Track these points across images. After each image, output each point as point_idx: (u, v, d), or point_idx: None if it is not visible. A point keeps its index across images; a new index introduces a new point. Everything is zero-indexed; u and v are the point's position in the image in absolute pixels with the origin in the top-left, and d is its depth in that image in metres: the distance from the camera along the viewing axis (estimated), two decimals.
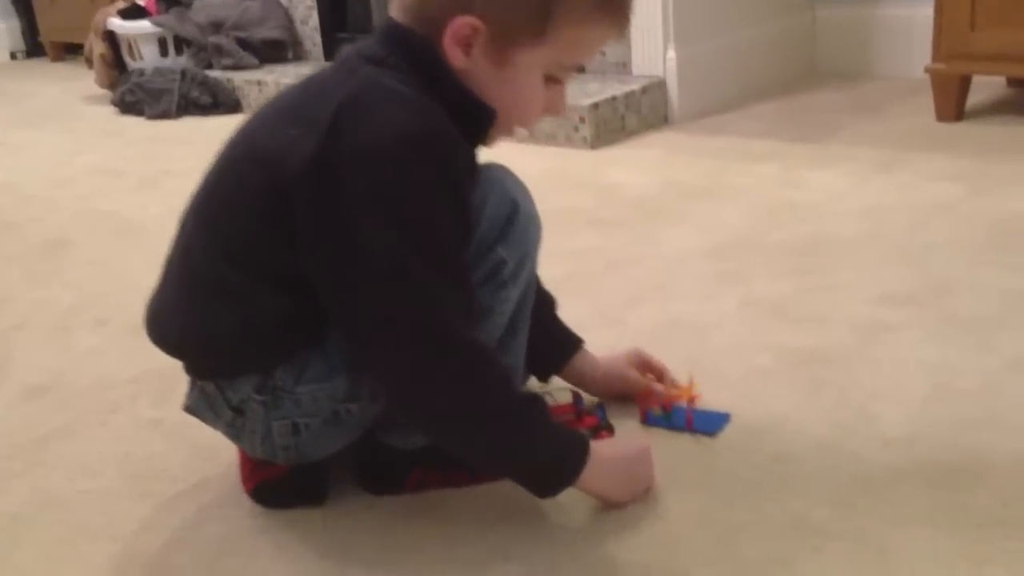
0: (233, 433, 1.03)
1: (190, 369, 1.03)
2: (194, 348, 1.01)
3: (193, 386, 1.04)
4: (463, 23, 0.89)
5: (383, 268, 0.88)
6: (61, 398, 1.36)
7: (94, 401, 1.33)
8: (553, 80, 0.96)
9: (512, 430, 0.93)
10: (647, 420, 1.16)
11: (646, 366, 1.21)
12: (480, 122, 0.95)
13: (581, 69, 0.97)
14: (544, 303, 1.16)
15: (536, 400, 0.96)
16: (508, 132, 0.99)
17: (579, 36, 0.93)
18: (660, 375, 1.21)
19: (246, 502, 1.07)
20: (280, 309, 0.95)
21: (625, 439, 1.11)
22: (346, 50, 0.96)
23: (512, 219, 0.98)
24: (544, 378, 1.20)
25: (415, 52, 0.92)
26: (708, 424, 1.14)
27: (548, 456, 0.96)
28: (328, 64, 0.99)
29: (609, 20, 0.94)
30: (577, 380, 1.20)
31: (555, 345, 1.18)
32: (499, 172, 1.01)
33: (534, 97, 0.96)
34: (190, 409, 1.05)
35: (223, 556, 0.99)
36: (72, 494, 1.12)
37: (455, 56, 0.91)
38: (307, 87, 0.97)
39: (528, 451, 0.95)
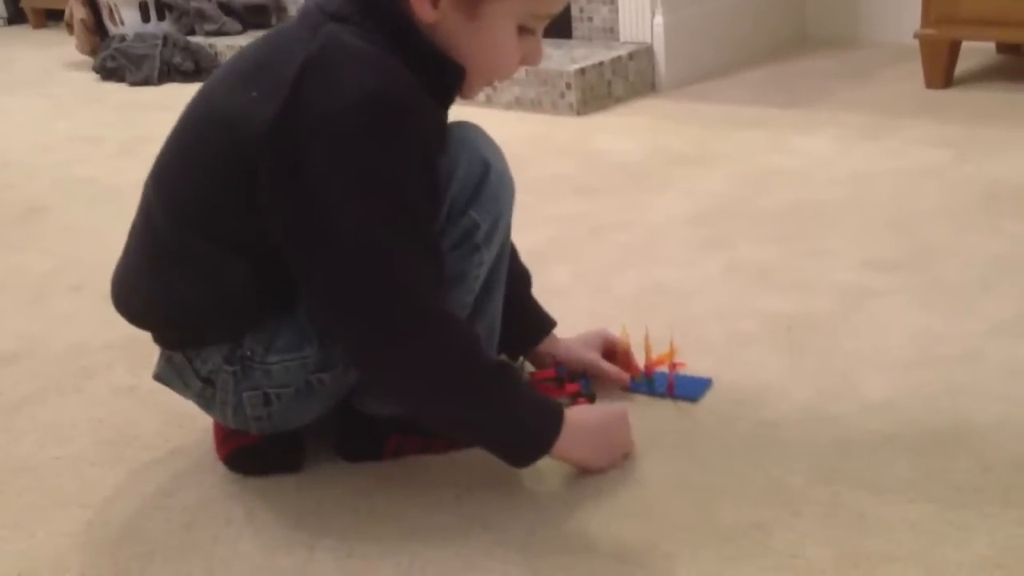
0: (203, 403, 1.01)
1: (158, 339, 1.01)
2: (159, 318, 0.99)
3: (161, 355, 1.02)
4: None
5: (349, 236, 0.86)
6: (35, 364, 1.34)
7: (68, 367, 1.31)
8: (527, 30, 0.93)
9: (482, 401, 0.92)
10: (630, 386, 1.14)
11: (609, 349, 1.17)
12: (449, 80, 0.93)
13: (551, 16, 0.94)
14: (519, 279, 1.13)
15: (507, 369, 0.95)
16: (486, 83, 0.97)
17: None
18: (624, 360, 1.16)
19: (220, 469, 1.06)
20: (246, 275, 0.93)
21: (602, 405, 1.10)
22: (307, 5, 0.93)
23: (484, 180, 0.96)
24: (514, 357, 1.17)
25: (379, 7, 0.89)
26: (689, 389, 1.12)
27: (521, 425, 0.94)
28: (287, 22, 0.95)
29: None
30: (538, 361, 1.17)
31: (527, 326, 1.15)
32: (470, 131, 0.99)
33: (508, 48, 0.93)
34: (159, 378, 1.03)
35: (196, 523, 0.98)
36: (44, 460, 1.10)
37: (423, 9, 0.88)
38: (267, 45, 0.94)
39: (500, 421, 0.93)
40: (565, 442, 0.95)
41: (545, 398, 0.98)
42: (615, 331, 1.18)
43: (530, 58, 0.95)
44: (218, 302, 0.94)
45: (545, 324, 1.16)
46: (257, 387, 0.97)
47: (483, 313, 1.00)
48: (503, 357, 1.15)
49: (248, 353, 0.96)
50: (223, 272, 0.93)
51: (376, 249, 0.86)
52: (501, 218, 0.99)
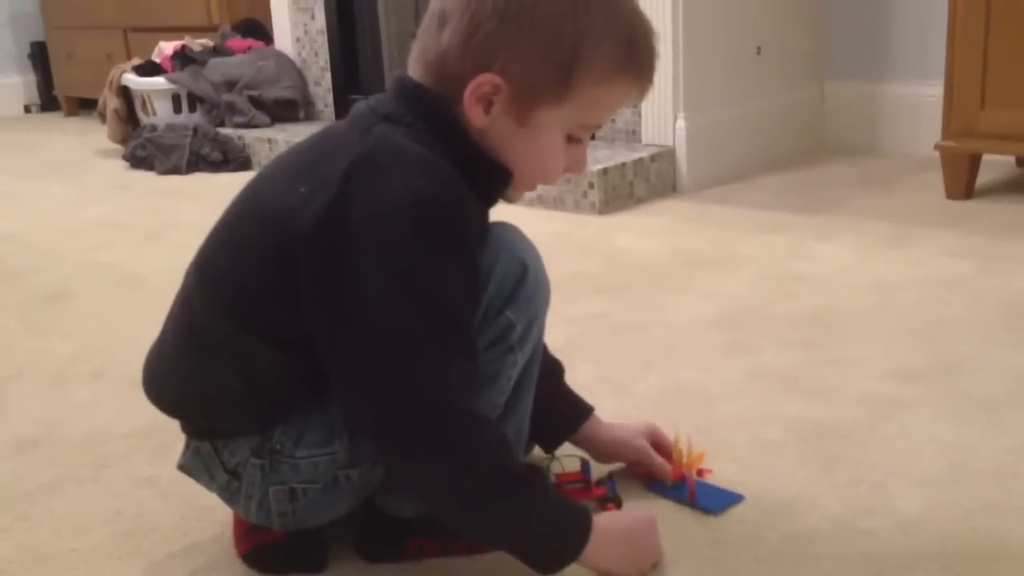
0: (228, 496, 1.00)
1: (186, 428, 1.01)
2: (192, 406, 0.99)
3: (188, 446, 1.01)
4: (484, 81, 0.88)
5: (388, 335, 0.86)
6: (53, 452, 1.32)
7: (87, 456, 1.30)
8: (574, 140, 0.95)
9: (509, 506, 0.90)
10: (648, 485, 1.13)
11: (658, 443, 1.17)
12: (496, 183, 0.94)
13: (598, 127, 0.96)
14: (552, 371, 1.13)
15: (536, 473, 0.94)
16: (530, 188, 0.98)
17: (600, 95, 0.92)
18: (669, 456, 1.16)
19: (239, 566, 1.03)
20: (282, 367, 0.93)
21: (631, 510, 1.08)
22: (358, 106, 0.95)
23: (522, 281, 0.96)
24: (551, 448, 1.16)
25: (430, 110, 0.91)
26: (713, 501, 1.10)
27: (548, 531, 0.92)
28: (340, 121, 0.97)
29: (631, 79, 0.93)
30: (586, 445, 1.16)
31: (564, 414, 1.15)
32: (509, 232, 0.99)
33: (555, 156, 0.94)
34: (184, 469, 1.02)
35: None
36: (60, 552, 1.09)
37: (475, 114, 0.90)
38: (318, 143, 0.96)
39: (527, 527, 0.91)
40: (592, 549, 0.93)
41: (573, 503, 0.96)
42: None
43: (575, 166, 0.97)
44: (252, 392, 0.94)
45: (583, 408, 1.16)
46: (284, 482, 0.96)
47: (513, 415, 0.99)
48: (536, 454, 1.13)
49: (277, 446, 0.95)
50: (259, 363, 0.93)
51: (414, 350, 0.86)
52: (536, 320, 0.99)
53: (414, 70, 0.93)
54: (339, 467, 0.95)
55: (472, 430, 0.88)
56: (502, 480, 0.89)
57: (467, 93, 0.89)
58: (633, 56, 0.91)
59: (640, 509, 1.09)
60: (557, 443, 1.16)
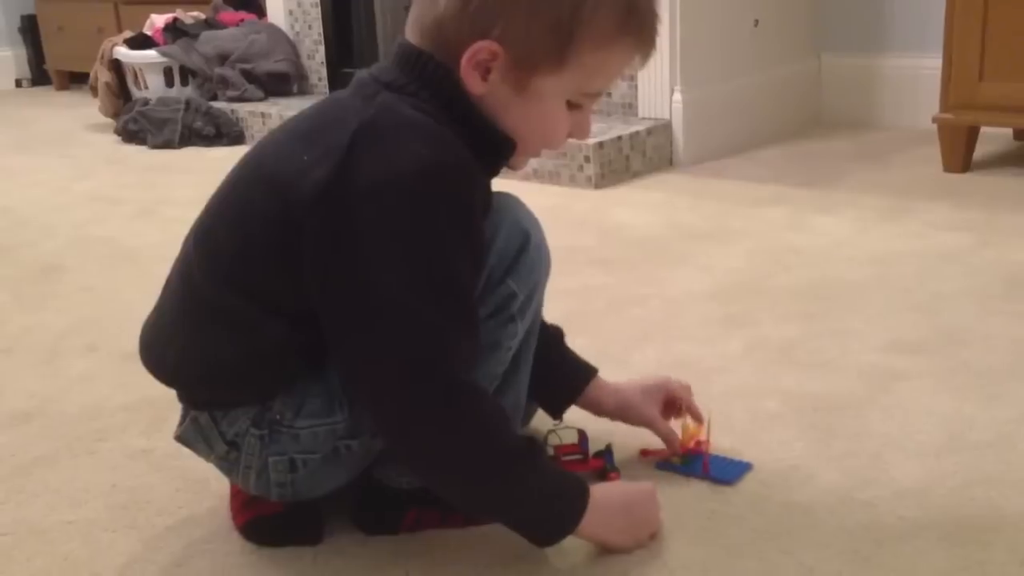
0: (226, 467, 0.99)
1: (184, 398, 1.00)
2: (191, 376, 0.97)
3: (186, 416, 1.00)
4: (481, 47, 0.87)
5: (390, 305, 0.85)
6: (47, 425, 1.32)
7: (81, 429, 1.29)
8: (575, 105, 0.93)
9: (506, 479, 0.90)
10: (659, 466, 1.12)
11: (671, 401, 1.15)
12: (500, 151, 0.93)
13: (606, 94, 0.94)
14: (552, 336, 1.12)
15: (532, 446, 0.93)
16: (534, 154, 0.97)
17: (600, 61, 0.90)
18: (682, 413, 1.14)
19: (236, 538, 1.03)
20: (282, 336, 0.92)
21: (628, 481, 1.08)
22: (361, 74, 0.93)
23: (523, 250, 0.95)
24: (557, 413, 1.15)
25: (433, 78, 0.89)
26: (725, 472, 1.10)
27: (544, 505, 0.92)
28: (342, 89, 0.96)
29: (631, 43, 0.91)
30: (593, 409, 1.15)
31: (567, 379, 1.14)
32: (510, 201, 0.98)
33: (556, 123, 0.93)
34: (181, 439, 1.01)
35: None
36: (55, 524, 1.08)
37: (472, 81, 0.88)
38: (321, 112, 0.95)
39: (523, 500, 0.91)
40: (589, 521, 0.93)
41: (570, 475, 0.96)
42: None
43: (579, 132, 0.95)
44: (252, 361, 0.93)
45: (585, 373, 1.14)
46: (284, 452, 0.95)
47: (511, 386, 0.99)
48: (534, 426, 1.13)
49: (277, 417, 0.94)
50: (259, 331, 0.92)
51: (415, 320, 0.85)
52: (536, 290, 0.98)
53: (411, 35, 0.92)
54: (339, 437, 0.95)
55: (470, 404, 0.88)
56: (500, 454, 0.89)
57: (464, 60, 0.88)
58: (633, 20, 0.89)
59: (639, 480, 1.08)
60: (562, 409, 1.15)
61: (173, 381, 1.00)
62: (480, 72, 0.88)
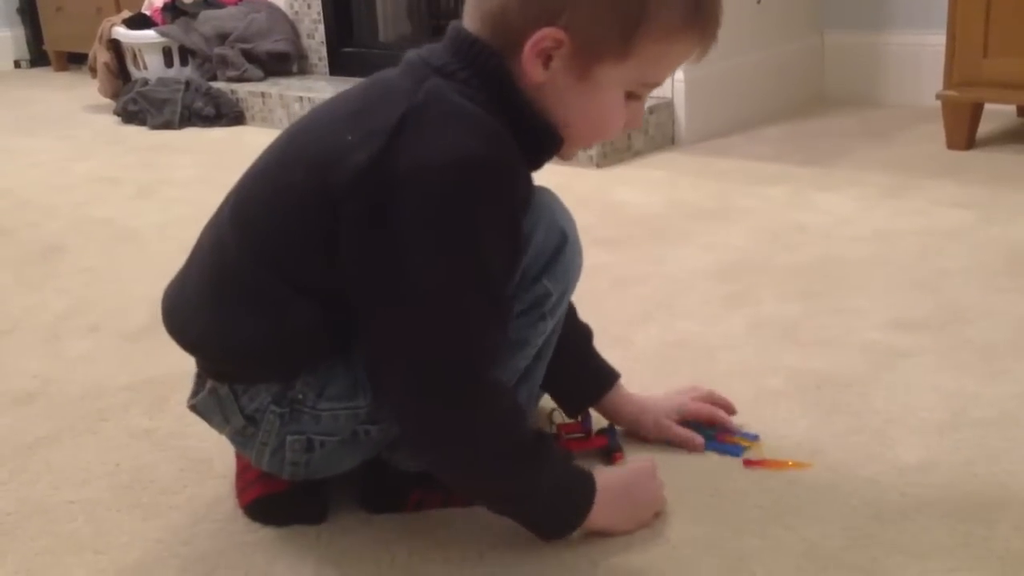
0: (241, 441, 0.98)
1: (207, 370, 0.98)
2: (216, 349, 0.96)
3: (202, 386, 0.98)
4: (547, 35, 0.84)
5: (424, 293, 0.84)
6: (50, 405, 1.32)
7: (84, 409, 1.29)
8: (633, 96, 0.91)
9: (516, 476, 0.90)
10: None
11: (694, 414, 1.14)
12: (544, 147, 0.91)
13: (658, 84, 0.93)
14: (582, 336, 1.12)
15: (543, 442, 0.93)
16: (586, 145, 0.95)
17: (663, 52, 0.88)
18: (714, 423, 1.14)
19: (239, 517, 1.03)
20: (312, 317, 0.90)
21: (630, 462, 1.08)
22: (411, 55, 0.91)
23: (560, 251, 0.95)
24: (573, 413, 1.15)
25: (486, 66, 0.87)
26: (735, 449, 1.10)
27: (554, 502, 0.93)
28: (390, 69, 0.93)
29: (696, 36, 0.88)
30: (610, 416, 1.15)
31: (588, 383, 1.13)
32: (548, 198, 0.97)
33: (614, 113, 0.91)
34: (196, 409, 1.00)
35: (214, 573, 0.95)
36: (58, 504, 1.08)
37: (534, 68, 0.86)
38: (367, 92, 0.92)
39: (533, 498, 0.92)
40: (594, 514, 0.94)
41: (578, 470, 0.96)
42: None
43: (633, 122, 0.93)
44: (280, 341, 0.91)
45: (606, 379, 1.14)
46: (303, 432, 0.94)
47: (529, 378, 0.99)
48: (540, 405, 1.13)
49: (300, 396, 0.93)
50: (289, 311, 0.90)
51: (448, 310, 0.84)
52: (569, 289, 0.98)
53: (470, 20, 0.89)
54: (360, 422, 0.94)
55: (490, 402, 0.87)
56: (514, 451, 0.89)
57: (528, 46, 0.85)
58: (699, 14, 0.87)
59: (640, 458, 1.09)
60: (578, 411, 1.15)
61: (195, 351, 0.98)
62: (542, 60, 0.86)
